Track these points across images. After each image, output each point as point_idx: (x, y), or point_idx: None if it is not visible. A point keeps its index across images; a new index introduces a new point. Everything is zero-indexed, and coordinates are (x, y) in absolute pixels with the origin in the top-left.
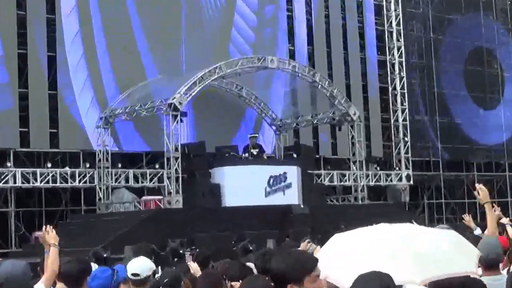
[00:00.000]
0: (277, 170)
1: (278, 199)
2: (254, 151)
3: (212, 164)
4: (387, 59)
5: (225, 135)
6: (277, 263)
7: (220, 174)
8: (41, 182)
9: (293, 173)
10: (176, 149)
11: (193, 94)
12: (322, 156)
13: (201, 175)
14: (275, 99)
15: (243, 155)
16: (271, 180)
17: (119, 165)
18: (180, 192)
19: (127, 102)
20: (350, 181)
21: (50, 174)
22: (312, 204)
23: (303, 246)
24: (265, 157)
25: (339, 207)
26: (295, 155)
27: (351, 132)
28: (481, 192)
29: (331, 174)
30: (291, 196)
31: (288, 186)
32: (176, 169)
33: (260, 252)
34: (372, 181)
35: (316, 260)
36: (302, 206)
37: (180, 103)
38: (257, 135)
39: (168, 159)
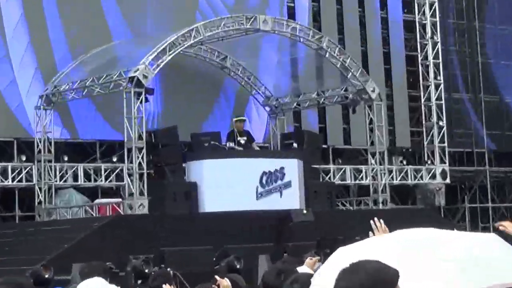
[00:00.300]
0: (272, 164)
1: (273, 203)
2: (242, 140)
3: (187, 157)
4: (416, 19)
5: (203, 119)
6: (346, 283)
7: (197, 169)
8: None
9: (293, 168)
10: (140, 137)
11: (162, 65)
12: (331, 146)
13: (172, 172)
14: (268, 73)
15: (227, 144)
16: (264, 178)
17: (65, 158)
18: (145, 193)
19: (79, 74)
20: (367, 178)
21: None
22: (318, 209)
23: (308, 264)
24: (256, 148)
25: (353, 213)
26: (295, 145)
27: (369, 114)
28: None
29: (343, 169)
30: (291, 199)
31: (287, 185)
32: (139, 164)
33: (288, 283)
34: (396, 179)
35: (397, 273)
36: (305, 211)
37: (145, 77)
38: (245, 118)
39: (130, 150)
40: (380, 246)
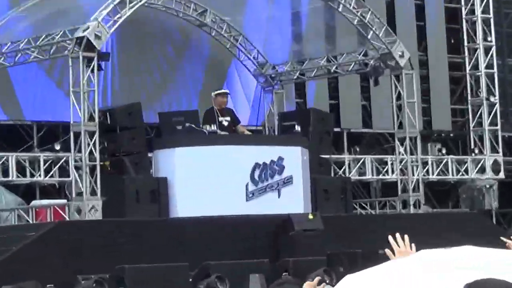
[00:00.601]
0: (266, 154)
1: (268, 205)
2: (224, 121)
3: (154, 144)
4: None
5: (175, 94)
6: None
7: (167, 161)
8: None
9: (294, 159)
10: (91, 118)
11: (120, 21)
12: (345, 130)
13: (134, 164)
14: (261, 32)
15: (207, 127)
16: (257, 172)
17: None
18: (98, 193)
19: (9, 34)
20: (394, 173)
21: None
22: (328, 214)
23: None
24: (245, 132)
25: (375, 219)
26: (298, 128)
27: (396, 87)
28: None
29: (362, 161)
30: (292, 200)
31: (287, 181)
32: (91, 153)
33: None
34: (433, 174)
35: None
36: (310, 216)
37: (98, 38)
38: (227, 91)
39: (77, 135)
40: (400, 273)
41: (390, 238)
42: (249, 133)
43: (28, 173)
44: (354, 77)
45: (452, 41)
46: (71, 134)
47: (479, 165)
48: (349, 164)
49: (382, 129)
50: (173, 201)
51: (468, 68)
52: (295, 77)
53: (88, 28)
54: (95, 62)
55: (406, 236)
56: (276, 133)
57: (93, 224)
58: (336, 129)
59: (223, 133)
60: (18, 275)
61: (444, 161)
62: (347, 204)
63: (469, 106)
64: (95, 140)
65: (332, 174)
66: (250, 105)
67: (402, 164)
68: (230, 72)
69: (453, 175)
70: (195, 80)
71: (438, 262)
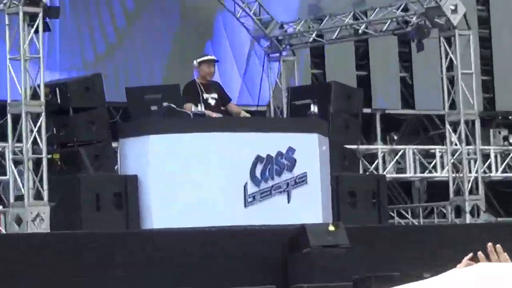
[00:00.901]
0: (272, 143)
1: (275, 212)
2: (210, 98)
3: (120, 131)
4: None
5: (147, 63)
6: None
7: (138, 153)
8: None
9: (310, 150)
10: (36, 96)
11: None
12: (379, 111)
13: (94, 157)
14: None
15: (192, 108)
16: (259, 168)
17: None
18: (45, 196)
19: None
20: (444, 169)
21: None
22: (355, 224)
23: None
24: (240, 113)
25: (419, 231)
26: (315, 109)
27: (447, 54)
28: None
29: (401, 152)
30: (306, 205)
31: (300, 180)
32: (34, 142)
33: None
34: (497, 170)
35: None
36: (331, 228)
37: None
38: (215, 58)
39: (16, 118)
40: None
41: (489, 245)
42: (247, 114)
43: None
44: (389, 40)
45: None
46: (8, 117)
47: None
48: (383, 158)
49: (428, 110)
50: (146, 208)
51: None
52: (310, 39)
53: None
54: (40, 20)
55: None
56: (285, 115)
57: (38, 238)
58: (366, 110)
59: (214, 115)
60: None
61: None
62: (381, 212)
63: None
64: (40, 125)
65: (361, 171)
66: (242, 77)
67: (455, 157)
68: (215, 30)
69: None
70: (174, 41)
71: (494, 277)
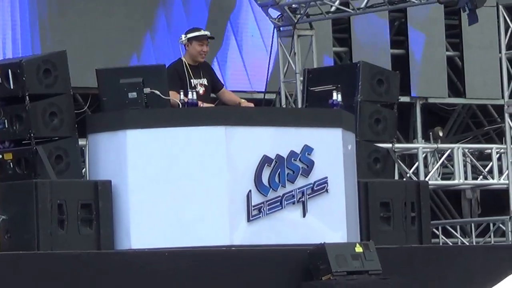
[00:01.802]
0: (284, 141)
1: (286, 228)
2: (199, 85)
3: (89, 124)
4: None
5: (124, 36)
6: None
7: (112, 153)
8: None
9: (332, 149)
10: None
11: None
12: (420, 99)
13: (55, 157)
14: None
15: (181, 96)
16: (266, 172)
17: None
18: None
19: None
20: (502, 175)
21: None
22: (389, 245)
23: None
24: (240, 102)
25: (471, 253)
26: (338, 96)
27: (507, 28)
28: None
29: (448, 153)
30: (326, 220)
31: (319, 188)
32: None
33: None
34: None
35: None
36: (359, 249)
37: None
38: (209, 34)
39: None
40: None
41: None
42: (250, 104)
43: None
44: (434, 10)
45: None
46: None
47: None
48: (425, 159)
49: (483, 98)
50: (123, 223)
51: None
52: (332, 8)
53: None
54: None
55: None
56: (300, 104)
57: None
58: (403, 99)
59: (207, 105)
60: None
61: None
62: (422, 229)
63: None
64: None
65: (396, 177)
66: (241, 56)
67: None
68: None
69: None
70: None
71: None
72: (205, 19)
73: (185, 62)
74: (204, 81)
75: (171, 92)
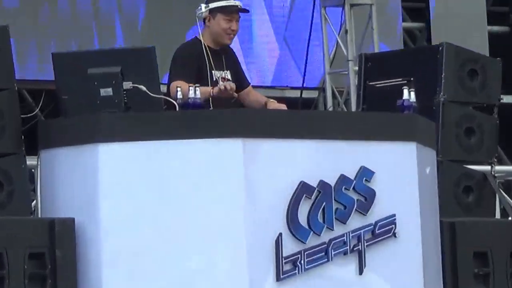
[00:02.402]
0: (331, 161)
1: None
2: (221, 79)
3: (42, 136)
4: None
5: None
6: None
7: (77, 176)
8: None
9: (402, 173)
10: None
11: None
12: None
13: None
14: None
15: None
16: (305, 206)
17: None
18: None
19: None
20: None
21: None
22: None
23: None
24: (269, 104)
25: None
26: (409, 95)
27: None
28: None
29: None
30: (395, 278)
31: (382, 232)
32: None
33: None
34: None
35: None
36: None
37: None
38: (241, 5)
39: None
40: None
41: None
42: (281, 106)
43: None
44: None
45: None
46: None
47: None
48: None
49: None
50: (92, 280)
51: None
52: None
53: None
54: None
55: None
56: (353, 106)
57: None
58: (507, 99)
59: (216, 91)
60: None
61: None
62: None
63: None
64: None
65: (498, 214)
66: (278, 46)
67: None
68: None
69: None
70: None
71: None
72: None
73: (204, 44)
74: (227, 75)
75: (176, 82)
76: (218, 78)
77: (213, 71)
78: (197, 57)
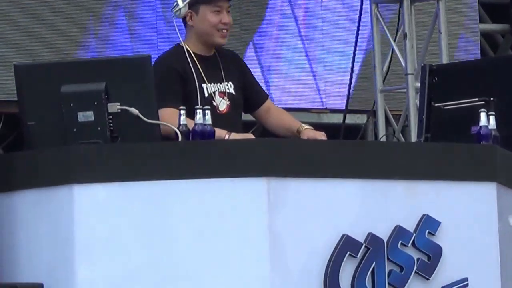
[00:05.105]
0: (383, 208)
1: None
2: (218, 95)
3: (1, 173)
4: None
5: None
6: None
7: (46, 226)
8: None
9: (477, 224)
10: None
11: None
12: None
13: None
14: None
15: (182, 117)
16: (351, 267)
17: None
18: None
19: None
20: None
21: None
22: None
23: None
24: (300, 130)
25: None
26: (489, 121)
27: None
28: None
29: None
30: None
31: None
32: None
33: None
34: None
35: None
36: None
37: None
38: None
39: None
40: None
41: None
42: (319, 134)
43: None
44: None
45: None
46: None
47: None
48: None
49: None
50: None
51: None
52: None
53: None
54: None
55: None
56: (415, 135)
57: None
58: None
59: (238, 136)
60: None
61: None
62: None
63: None
64: None
65: None
66: (302, 43)
67: None
68: None
69: None
70: None
71: None
72: None
73: (188, 51)
74: (229, 87)
75: (164, 111)
76: (214, 93)
77: (204, 85)
78: (181, 69)
